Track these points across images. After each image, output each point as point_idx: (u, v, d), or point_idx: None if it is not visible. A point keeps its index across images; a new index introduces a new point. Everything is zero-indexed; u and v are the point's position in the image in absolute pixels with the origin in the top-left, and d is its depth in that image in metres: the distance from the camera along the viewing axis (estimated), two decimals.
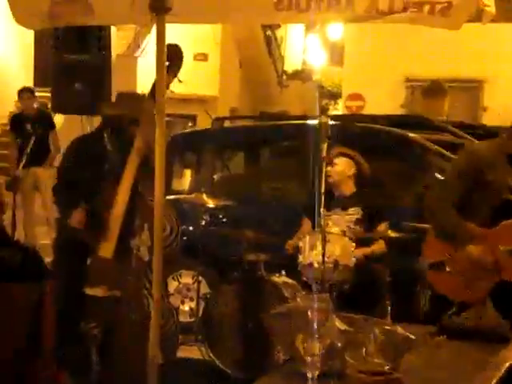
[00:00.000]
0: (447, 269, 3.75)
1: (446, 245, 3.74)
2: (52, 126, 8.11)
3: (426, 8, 3.22)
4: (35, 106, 8.18)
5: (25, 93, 8.15)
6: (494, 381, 2.45)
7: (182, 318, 5.32)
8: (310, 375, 2.21)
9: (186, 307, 5.59)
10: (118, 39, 11.18)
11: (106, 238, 3.97)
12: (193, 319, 5.28)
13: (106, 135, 4.20)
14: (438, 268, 3.77)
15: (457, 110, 12.22)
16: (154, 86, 3.90)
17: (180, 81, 3.64)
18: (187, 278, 5.65)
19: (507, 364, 2.64)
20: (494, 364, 2.64)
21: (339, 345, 2.33)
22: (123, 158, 4.05)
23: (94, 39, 6.40)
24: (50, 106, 7.46)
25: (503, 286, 3.65)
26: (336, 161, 4.78)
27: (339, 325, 2.39)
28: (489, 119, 12.68)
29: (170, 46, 3.49)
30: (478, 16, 3.28)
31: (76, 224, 4.04)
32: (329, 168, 4.64)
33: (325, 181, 3.39)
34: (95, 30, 6.33)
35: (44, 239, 7.58)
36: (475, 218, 3.71)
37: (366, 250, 4.55)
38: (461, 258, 3.71)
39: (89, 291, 3.90)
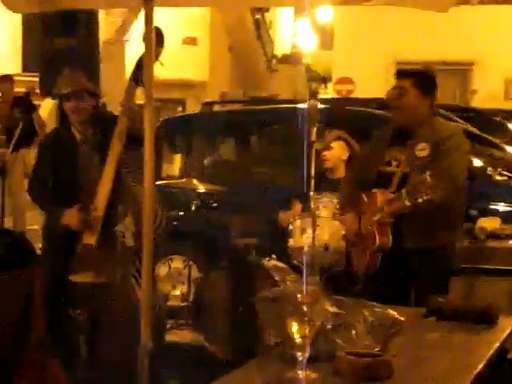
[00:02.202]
0: None
1: None
2: (33, 107, 8.05)
3: None
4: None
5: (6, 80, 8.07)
6: (484, 362, 2.46)
7: (173, 303, 5.32)
8: (300, 358, 2.22)
9: (177, 292, 5.60)
10: (106, 25, 11.11)
11: (89, 225, 3.90)
12: (184, 303, 5.29)
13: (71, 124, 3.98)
14: None
15: (446, 93, 12.22)
16: (135, 69, 3.84)
17: (162, 64, 3.55)
18: (178, 263, 5.65)
19: (496, 345, 2.66)
20: (483, 345, 2.66)
21: (329, 327, 2.34)
22: (101, 143, 3.96)
23: (83, 24, 6.37)
24: (38, 90, 7.43)
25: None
26: (333, 144, 4.81)
27: (329, 307, 2.39)
28: (478, 102, 12.69)
29: None
30: None
31: (76, 227, 3.87)
32: (326, 152, 4.71)
33: (320, 164, 3.41)
34: (83, 14, 6.30)
35: (33, 225, 7.55)
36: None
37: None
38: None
39: (74, 278, 3.86)
